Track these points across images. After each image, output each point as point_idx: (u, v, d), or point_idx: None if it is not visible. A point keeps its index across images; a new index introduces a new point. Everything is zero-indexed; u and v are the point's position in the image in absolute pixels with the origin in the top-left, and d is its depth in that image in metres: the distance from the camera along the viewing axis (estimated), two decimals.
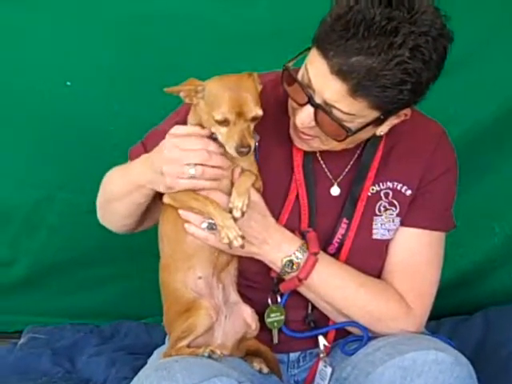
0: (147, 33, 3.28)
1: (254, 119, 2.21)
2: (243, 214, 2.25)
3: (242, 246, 2.26)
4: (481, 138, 3.43)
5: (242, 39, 3.27)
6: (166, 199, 2.36)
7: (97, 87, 3.35)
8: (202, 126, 2.28)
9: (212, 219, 2.27)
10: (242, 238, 2.24)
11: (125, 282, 3.61)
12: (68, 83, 3.35)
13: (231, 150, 2.20)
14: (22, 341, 3.52)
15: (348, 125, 2.23)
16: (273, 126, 2.44)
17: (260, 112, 2.21)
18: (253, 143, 2.20)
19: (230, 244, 2.24)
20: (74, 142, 3.42)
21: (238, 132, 2.18)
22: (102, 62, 3.33)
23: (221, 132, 2.22)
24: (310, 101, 2.23)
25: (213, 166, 2.24)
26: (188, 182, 2.25)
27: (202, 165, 2.23)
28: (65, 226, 3.53)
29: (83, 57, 3.32)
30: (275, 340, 2.52)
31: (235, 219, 2.24)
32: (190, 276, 2.37)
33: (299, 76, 2.27)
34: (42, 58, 3.33)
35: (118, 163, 2.54)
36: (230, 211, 2.25)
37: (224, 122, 2.20)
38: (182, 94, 2.26)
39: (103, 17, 3.29)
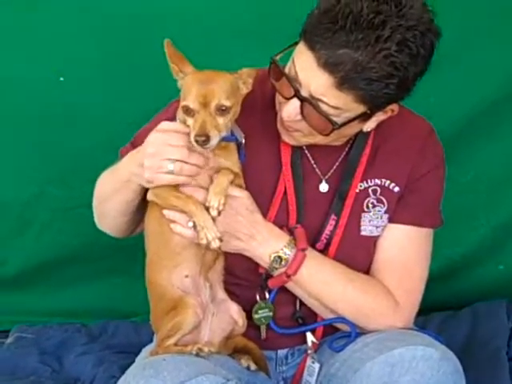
0: (141, 29, 3.27)
1: (218, 109, 2.20)
2: (219, 213, 2.25)
3: (219, 248, 2.28)
4: (466, 130, 3.44)
5: (230, 35, 3.27)
6: (149, 196, 2.36)
7: (90, 84, 3.34)
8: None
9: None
10: (220, 240, 2.25)
11: (114, 278, 3.61)
12: (61, 79, 3.34)
13: (192, 140, 2.19)
14: (9, 340, 3.51)
15: (334, 119, 2.23)
16: (260, 122, 2.45)
17: (226, 103, 2.20)
18: (214, 134, 2.18)
19: (208, 245, 2.25)
20: (66, 138, 3.41)
21: (200, 121, 2.18)
22: (95, 58, 3.32)
23: (188, 124, 2.22)
24: (297, 94, 2.23)
25: (190, 163, 2.23)
26: (166, 176, 2.25)
27: (181, 161, 2.22)
28: (56, 222, 3.51)
29: (76, 53, 3.30)
30: (263, 336, 2.52)
31: (213, 218, 2.25)
32: (176, 274, 2.36)
33: (286, 70, 2.27)
34: (35, 54, 3.31)
35: (110, 159, 2.54)
36: (207, 210, 2.25)
37: (188, 112, 2.21)
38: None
39: (96, 12, 3.27)
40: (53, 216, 3.51)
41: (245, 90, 2.29)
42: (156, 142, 2.26)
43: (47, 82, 3.34)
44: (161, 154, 2.23)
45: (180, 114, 2.30)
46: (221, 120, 2.20)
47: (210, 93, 2.19)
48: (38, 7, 3.28)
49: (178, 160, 2.22)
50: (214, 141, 2.19)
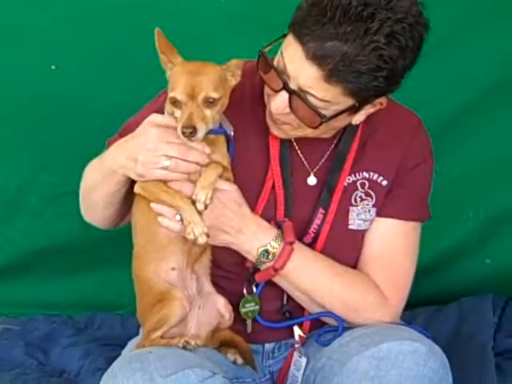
0: (134, 17, 3.25)
1: (206, 101, 2.19)
2: (206, 206, 2.25)
3: (206, 244, 2.28)
4: (454, 123, 3.43)
5: (222, 27, 3.27)
6: (136, 189, 2.35)
7: (82, 71, 3.33)
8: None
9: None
10: (207, 235, 2.25)
11: (101, 270, 3.59)
12: (53, 67, 3.32)
13: (179, 132, 2.18)
14: None
15: (323, 112, 2.22)
16: (249, 115, 2.44)
17: (214, 95, 2.19)
18: (201, 126, 2.18)
19: (195, 240, 2.25)
20: (58, 125, 3.39)
21: (187, 113, 2.18)
22: (87, 46, 3.30)
23: (176, 115, 2.22)
24: (285, 87, 2.23)
25: (188, 161, 2.23)
26: (160, 172, 2.24)
27: (178, 158, 2.22)
28: (47, 209, 3.50)
29: (69, 41, 3.29)
30: (249, 329, 2.52)
31: (199, 212, 2.25)
32: (162, 267, 2.36)
33: (275, 62, 2.27)
34: (27, 41, 3.29)
35: (102, 146, 2.54)
36: (193, 203, 2.25)
37: (176, 104, 2.20)
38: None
39: (90, 1, 3.26)
40: (43, 203, 3.49)
41: (233, 81, 2.29)
42: (152, 137, 2.25)
43: (39, 70, 3.32)
44: (157, 149, 2.23)
45: (168, 106, 2.29)
46: (208, 112, 2.20)
47: (197, 84, 2.18)
48: None
49: (174, 157, 2.22)
50: (201, 133, 2.18)
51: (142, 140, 2.26)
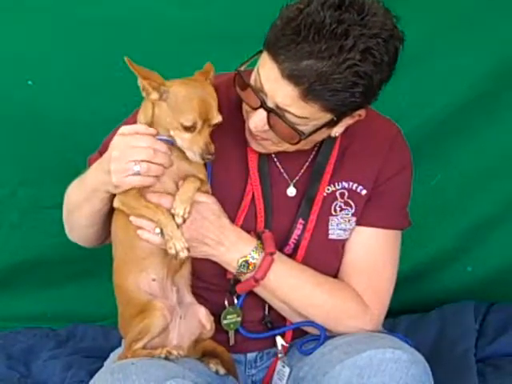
0: (111, 32, 3.27)
1: (215, 125, 2.23)
2: (184, 220, 2.26)
3: (188, 258, 2.29)
4: (434, 133, 3.46)
5: (195, 40, 3.27)
6: (115, 203, 2.35)
7: (59, 86, 3.34)
8: (150, 125, 2.28)
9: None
10: (188, 250, 2.26)
11: (83, 282, 3.59)
12: (29, 82, 3.33)
13: (195, 156, 2.21)
14: None
15: (301, 128, 2.22)
16: (227, 127, 2.42)
17: (221, 118, 2.23)
18: (214, 147, 2.22)
19: (176, 255, 2.26)
20: (35, 139, 3.40)
21: (204, 138, 2.20)
22: (63, 61, 3.31)
23: (183, 137, 2.22)
24: (263, 105, 2.22)
25: (156, 163, 2.23)
26: (133, 178, 2.23)
27: (147, 161, 2.21)
28: (25, 223, 3.50)
29: (45, 56, 3.30)
30: (231, 342, 2.52)
31: (177, 225, 2.26)
32: (143, 278, 2.36)
33: (252, 79, 2.26)
34: (2, 56, 3.30)
35: (79, 159, 2.55)
36: (172, 217, 2.26)
37: (191, 128, 2.20)
38: (139, 82, 2.25)
39: (66, 15, 3.27)
40: (22, 216, 3.49)
41: None
42: (120, 146, 2.24)
43: (16, 85, 3.33)
44: (125, 156, 2.22)
45: (142, 117, 2.30)
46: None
47: (210, 109, 2.22)
48: (6, 9, 3.27)
49: (143, 160, 2.21)
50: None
51: (110, 151, 2.26)
